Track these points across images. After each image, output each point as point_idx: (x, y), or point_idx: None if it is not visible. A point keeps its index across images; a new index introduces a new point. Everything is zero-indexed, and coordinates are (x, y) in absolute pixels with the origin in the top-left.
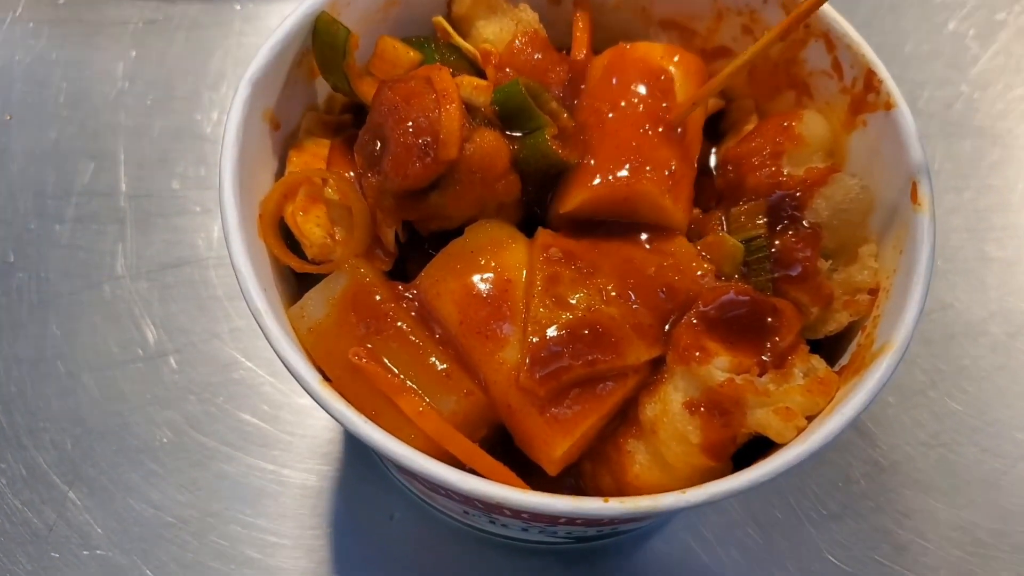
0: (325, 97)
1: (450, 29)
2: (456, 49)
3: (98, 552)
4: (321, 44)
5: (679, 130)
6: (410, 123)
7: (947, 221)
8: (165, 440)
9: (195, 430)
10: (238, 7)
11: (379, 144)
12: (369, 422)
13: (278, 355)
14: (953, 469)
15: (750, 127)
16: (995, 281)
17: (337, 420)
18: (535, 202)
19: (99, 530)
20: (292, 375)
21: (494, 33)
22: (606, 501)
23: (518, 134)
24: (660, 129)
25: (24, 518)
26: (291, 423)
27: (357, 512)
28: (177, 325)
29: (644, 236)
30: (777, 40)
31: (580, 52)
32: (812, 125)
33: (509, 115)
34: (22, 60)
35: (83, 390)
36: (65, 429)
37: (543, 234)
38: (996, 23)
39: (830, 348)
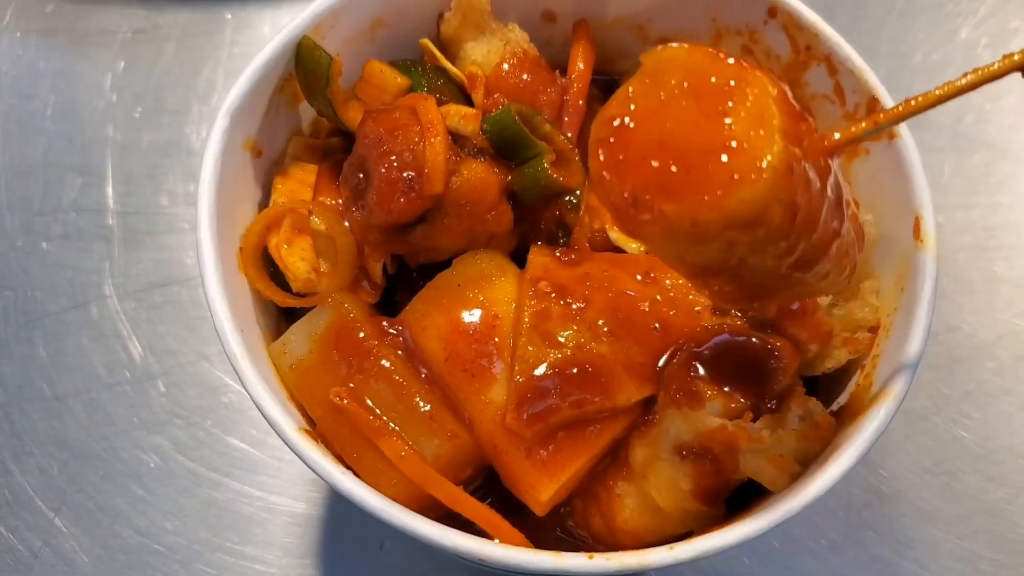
0: (310, 121)
1: (437, 52)
2: (444, 72)
3: None
4: (304, 70)
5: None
6: (394, 157)
7: (956, 239)
8: (152, 465)
9: (183, 455)
10: (229, 16)
11: (363, 177)
12: (347, 473)
13: (254, 401)
14: (957, 498)
15: None
16: (1003, 303)
17: (313, 470)
18: (529, 230)
19: (84, 558)
20: (268, 422)
21: (482, 55)
22: (590, 558)
23: (513, 163)
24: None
25: (9, 545)
26: (280, 448)
27: (347, 541)
28: (165, 347)
29: (639, 266)
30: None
31: (576, 71)
32: None
33: (502, 144)
34: (9, 72)
35: (69, 413)
36: (51, 454)
37: (533, 266)
38: (1009, 31)
39: (827, 385)
